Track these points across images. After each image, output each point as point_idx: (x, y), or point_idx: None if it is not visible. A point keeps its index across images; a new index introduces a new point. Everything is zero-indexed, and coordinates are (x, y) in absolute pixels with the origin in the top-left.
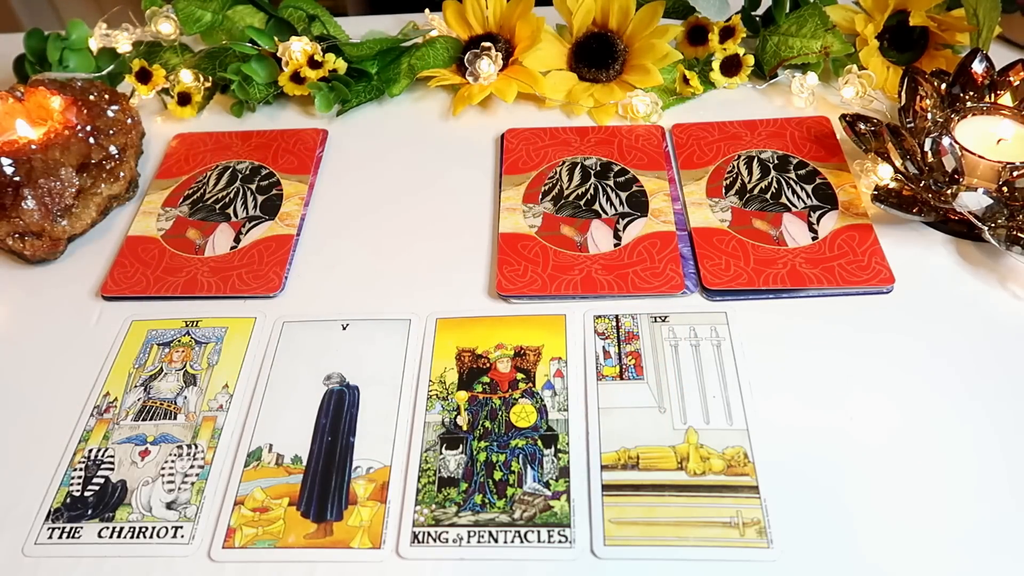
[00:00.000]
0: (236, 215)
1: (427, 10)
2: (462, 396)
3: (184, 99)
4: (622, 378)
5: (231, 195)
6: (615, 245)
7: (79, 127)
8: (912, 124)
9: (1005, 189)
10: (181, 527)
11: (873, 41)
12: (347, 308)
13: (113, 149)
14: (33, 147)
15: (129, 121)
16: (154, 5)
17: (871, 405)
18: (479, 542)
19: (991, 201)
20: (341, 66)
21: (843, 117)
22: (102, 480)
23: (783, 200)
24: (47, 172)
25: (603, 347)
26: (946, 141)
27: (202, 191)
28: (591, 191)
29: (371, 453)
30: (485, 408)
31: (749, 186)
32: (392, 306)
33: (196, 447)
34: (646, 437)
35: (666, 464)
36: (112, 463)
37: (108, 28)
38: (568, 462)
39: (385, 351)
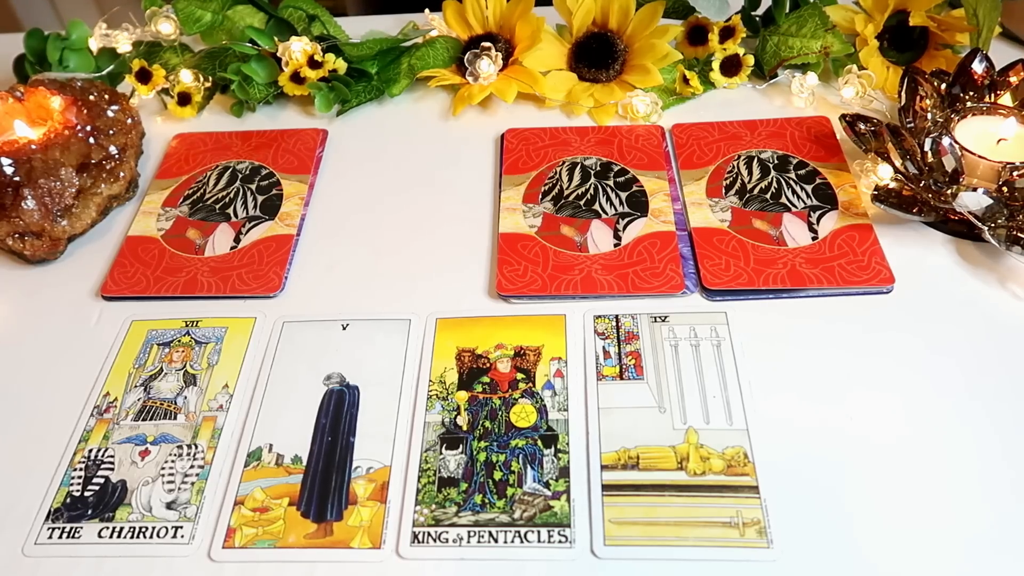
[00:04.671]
0: (236, 215)
1: (427, 10)
2: (462, 396)
3: (184, 99)
4: (622, 378)
5: (231, 195)
6: (615, 245)
7: (79, 127)
8: (912, 124)
9: (1005, 189)
10: (181, 527)
11: (873, 41)
12: (347, 308)
13: (113, 149)
14: (33, 147)
15: (129, 121)
16: (154, 5)
17: (871, 405)
18: (479, 542)
19: (991, 201)
20: (341, 66)
21: (843, 117)
22: (102, 480)
23: (783, 200)
24: (47, 172)
25: (603, 347)
26: (946, 141)
27: (202, 191)
28: (591, 191)
29: (371, 453)
30: (485, 408)
31: (749, 186)
32: (392, 306)
33: (196, 447)
34: (646, 437)
35: (666, 464)
36: (112, 463)
37: (108, 28)
38: (568, 462)
39: (385, 351)
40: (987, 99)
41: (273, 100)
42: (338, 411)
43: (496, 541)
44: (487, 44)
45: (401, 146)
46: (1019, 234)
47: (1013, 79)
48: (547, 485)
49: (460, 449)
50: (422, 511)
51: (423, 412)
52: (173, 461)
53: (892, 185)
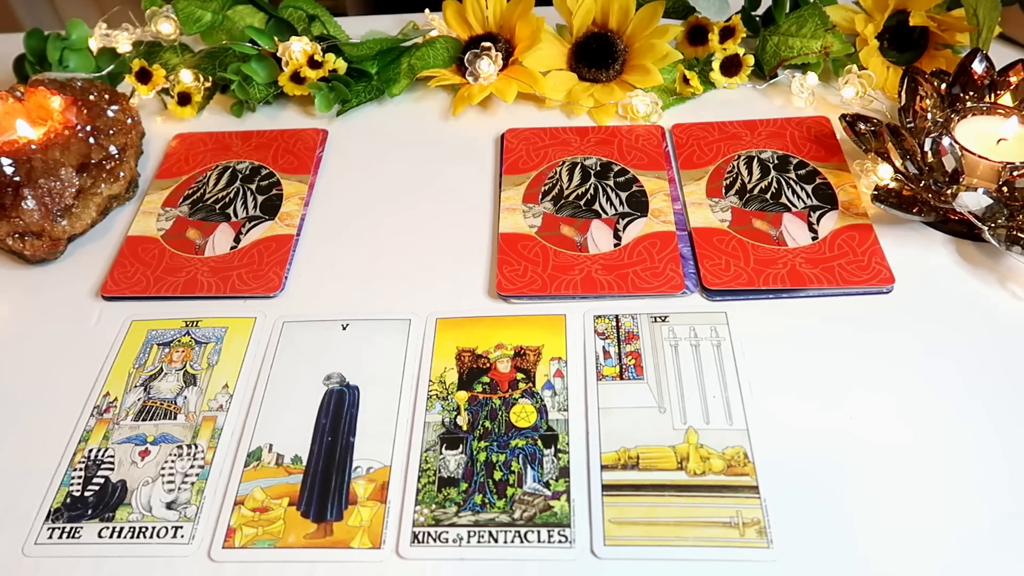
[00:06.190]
0: (236, 215)
1: (427, 10)
2: (462, 396)
3: (184, 99)
4: (622, 378)
5: (231, 195)
6: (615, 245)
7: (79, 127)
8: (912, 124)
9: (1005, 189)
10: (181, 527)
11: (873, 41)
12: (347, 308)
13: (113, 149)
14: (33, 147)
15: (129, 121)
16: (154, 5)
17: (871, 405)
18: (479, 542)
19: (991, 201)
20: (341, 66)
21: (843, 117)
22: (102, 480)
23: (783, 200)
24: (47, 172)
25: (603, 347)
26: (946, 141)
27: (202, 191)
28: (591, 191)
29: (371, 453)
30: (485, 408)
31: (749, 186)
32: (392, 306)
33: (196, 447)
34: (646, 437)
35: (666, 464)
36: (112, 463)
37: (108, 28)
38: (568, 462)
39: (385, 351)
40: (987, 99)
41: (273, 100)
42: (338, 411)
43: (496, 541)
44: (487, 44)
45: (401, 146)
46: (1019, 234)
47: (1013, 79)
48: (547, 485)
49: (460, 449)
50: (422, 511)
51: (423, 412)
52: (173, 461)
53: (892, 185)
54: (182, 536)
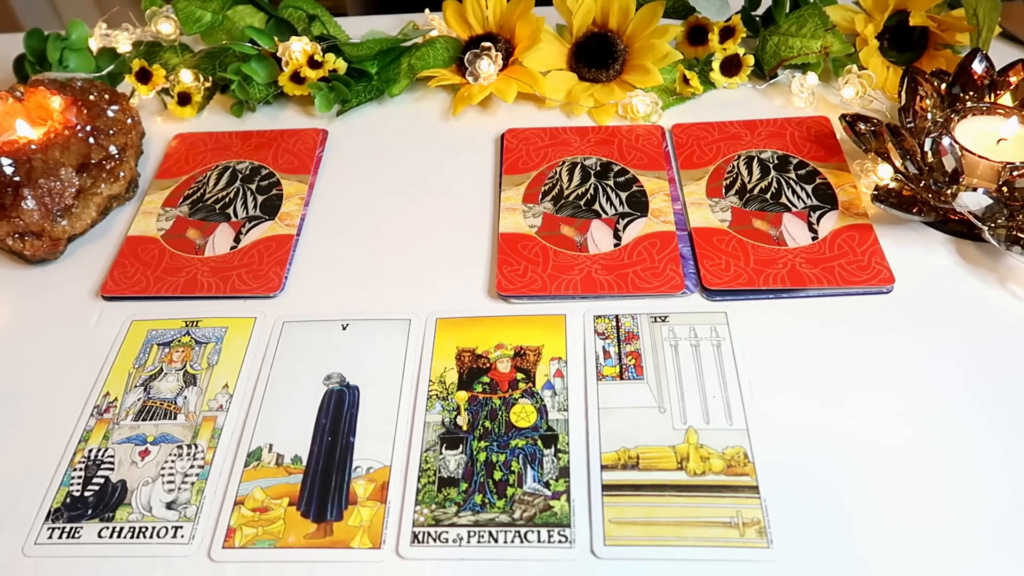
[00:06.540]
0: (236, 215)
1: (427, 10)
2: (462, 396)
3: (184, 99)
4: (622, 378)
5: (231, 195)
6: (615, 245)
7: (79, 127)
8: (912, 124)
9: (1005, 189)
10: (181, 527)
11: (873, 41)
12: (347, 308)
13: (113, 149)
14: (33, 147)
15: (129, 121)
16: (154, 5)
17: (871, 405)
18: (479, 542)
19: (991, 201)
20: (341, 66)
21: (843, 117)
22: (102, 480)
23: (783, 200)
24: (47, 172)
25: (603, 347)
26: (946, 141)
27: (202, 191)
28: (591, 191)
29: (371, 453)
30: (485, 408)
31: (749, 186)
32: (392, 306)
33: (196, 447)
34: (646, 437)
35: (666, 464)
36: (112, 463)
37: (108, 28)
38: (568, 462)
39: (385, 351)
40: (987, 99)
41: (273, 100)
42: (338, 411)
43: (496, 541)
44: (487, 44)
45: (401, 146)
46: (1019, 234)
47: (1013, 79)
48: (547, 485)
49: (460, 449)
50: (422, 511)
51: (423, 412)
52: (173, 461)
53: (892, 185)
54: (182, 536)
